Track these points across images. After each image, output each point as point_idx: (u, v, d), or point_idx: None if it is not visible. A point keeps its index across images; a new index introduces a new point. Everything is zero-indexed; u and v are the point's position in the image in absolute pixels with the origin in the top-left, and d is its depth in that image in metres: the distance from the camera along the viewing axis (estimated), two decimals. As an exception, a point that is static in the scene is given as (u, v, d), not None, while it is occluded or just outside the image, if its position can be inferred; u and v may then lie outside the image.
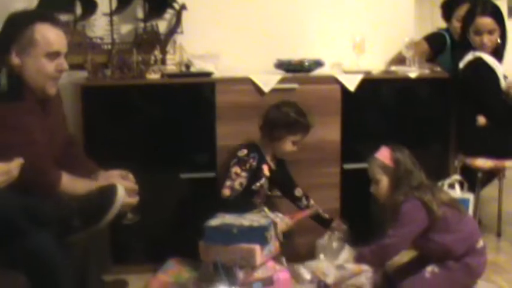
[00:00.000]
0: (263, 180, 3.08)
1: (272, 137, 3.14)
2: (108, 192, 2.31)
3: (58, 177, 2.43)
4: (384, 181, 2.96)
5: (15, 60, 2.46)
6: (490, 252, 3.56)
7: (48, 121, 2.56)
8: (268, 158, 3.17)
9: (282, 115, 3.10)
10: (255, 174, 3.08)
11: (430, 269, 2.88)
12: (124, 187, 2.47)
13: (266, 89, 3.31)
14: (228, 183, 3.05)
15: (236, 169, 3.07)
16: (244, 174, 3.06)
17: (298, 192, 3.29)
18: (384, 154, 2.98)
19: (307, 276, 2.86)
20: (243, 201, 3.03)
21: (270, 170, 3.15)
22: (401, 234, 2.84)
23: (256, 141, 3.19)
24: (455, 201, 2.98)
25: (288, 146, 3.13)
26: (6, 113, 2.38)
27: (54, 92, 2.58)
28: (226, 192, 3.02)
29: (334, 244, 3.14)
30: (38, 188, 2.34)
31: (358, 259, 2.92)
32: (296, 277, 2.84)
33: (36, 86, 2.49)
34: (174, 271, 3.08)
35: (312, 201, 3.31)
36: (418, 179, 2.93)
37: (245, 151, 3.12)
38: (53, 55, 2.50)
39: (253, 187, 3.08)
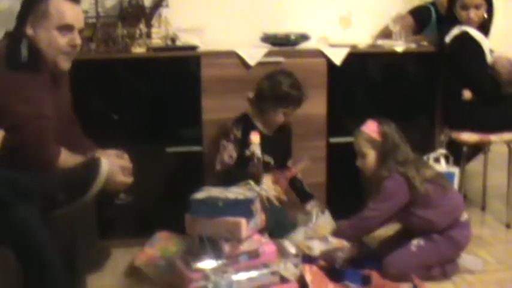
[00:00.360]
0: (253, 147, 3.05)
1: (262, 107, 3.13)
2: (92, 166, 2.30)
3: (57, 153, 2.45)
4: (370, 155, 2.98)
5: (29, 31, 2.51)
6: (474, 226, 3.60)
7: (56, 96, 2.60)
8: (259, 125, 3.16)
9: (273, 87, 3.09)
10: (244, 143, 3.07)
11: (415, 242, 2.91)
12: (119, 166, 2.50)
13: (252, 62, 3.30)
14: (218, 157, 3.11)
15: (223, 142, 3.12)
16: (231, 145, 3.09)
17: (290, 163, 3.31)
18: (370, 127, 2.99)
19: (292, 250, 2.87)
20: (238, 171, 3.04)
21: (263, 136, 3.13)
22: (380, 208, 2.90)
23: (248, 111, 3.19)
24: (440, 176, 3.01)
25: (278, 117, 3.13)
26: (23, 83, 2.42)
27: (67, 67, 2.63)
28: (217, 166, 3.10)
29: (314, 218, 3.15)
30: (36, 162, 2.37)
31: (337, 233, 2.95)
32: (281, 251, 2.85)
33: (48, 58, 2.53)
34: (161, 245, 3.08)
35: (299, 175, 3.33)
36: (404, 153, 2.95)
37: (231, 123, 3.14)
38: (66, 29, 2.53)
39: (245, 154, 3.07)
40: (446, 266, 2.98)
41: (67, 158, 2.47)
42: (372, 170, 3.01)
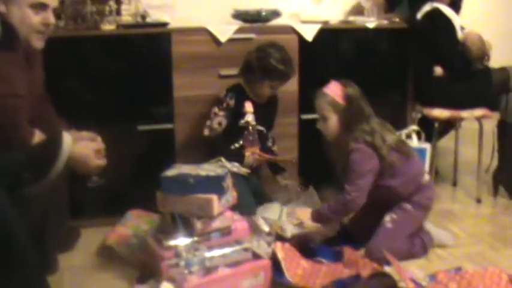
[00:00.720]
0: (248, 117, 3.07)
1: (249, 78, 3.14)
2: (55, 141, 2.27)
3: (31, 134, 2.41)
4: (332, 119, 2.88)
5: (1, 7, 2.44)
6: (445, 201, 3.67)
7: (30, 76, 2.55)
8: (252, 95, 3.16)
9: (261, 59, 3.09)
10: (238, 112, 3.10)
11: (388, 218, 2.91)
12: (93, 150, 2.46)
13: (223, 39, 3.27)
14: (207, 122, 3.13)
15: (214, 109, 3.13)
16: (222, 113, 3.11)
17: (270, 133, 3.33)
18: (334, 90, 2.88)
19: (265, 228, 2.87)
20: (226, 146, 3.10)
21: (256, 106, 3.14)
22: (359, 188, 2.81)
23: (241, 85, 3.19)
24: (403, 143, 2.98)
25: (265, 89, 3.14)
26: None
27: (40, 46, 2.57)
28: (206, 131, 3.11)
29: (287, 192, 3.16)
30: (10, 142, 2.32)
31: (317, 218, 2.89)
32: (254, 229, 2.85)
33: (21, 36, 2.47)
34: (132, 223, 3.07)
35: (275, 147, 3.35)
36: (370, 120, 2.87)
37: (224, 92, 3.16)
38: (38, 7, 2.48)
39: (239, 124, 3.10)
40: (423, 236, 3.01)
41: (41, 139, 2.43)
42: (333, 135, 2.93)
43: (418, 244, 2.98)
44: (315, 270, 2.68)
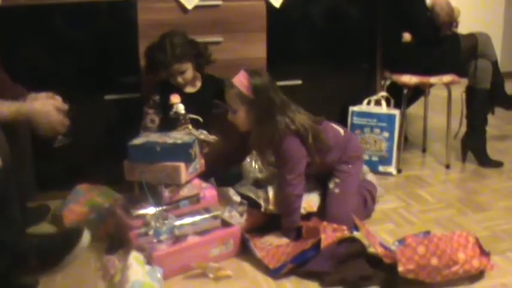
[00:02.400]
0: (176, 108, 2.95)
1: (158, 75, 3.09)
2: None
3: None
4: (241, 111, 2.76)
5: None
6: (415, 168, 3.71)
7: None
8: (181, 86, 3.09)
9: (147, 57, 3.05)
10: (166, 106, 3.01)
11: (332, 185, 2.93)
12: (53, 106, 2.42)
13: (189, 6, 3.21)
14: (142, 123, 3.08)
15: (144, 108, 3.10)
16: (151, 111, 3.08)
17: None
18: (240, 81, 2.74)
19: (236, 198, 2.85)
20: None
21: (188, 96, 3.07)
22: (298, 175, 2.76)
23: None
24: (316, 120, 2.88)
25: (176, 78, 3.05)
26: None
27: None
28: (141, 131, 3.02)
29: (257, 167, 3.14)
30: None
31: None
32: (225, 199, 2.83)
33: None
34: (86, 198, 2.98)
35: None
36: (285, 110, 2.76)
37: (152, 89, 3.13)
38: None
39: (170, 116, 2.99)
40: (367, 186, 3.07)
41: None
42: (245, 127, 2.81)
43: (367, 196, 3.03)
44: (281, 248, 2.67)
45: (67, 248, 2.29)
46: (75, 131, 2.57)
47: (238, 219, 2.78)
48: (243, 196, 2.89)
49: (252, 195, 2.89)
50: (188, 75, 3.06)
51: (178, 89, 3.07)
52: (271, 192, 2.85)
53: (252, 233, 2.76)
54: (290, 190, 2.74)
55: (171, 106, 2.95)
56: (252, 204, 2.87)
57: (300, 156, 2.76)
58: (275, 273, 2.51)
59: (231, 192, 2.89)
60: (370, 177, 3.23)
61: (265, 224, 2.85)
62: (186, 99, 3.00)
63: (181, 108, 2.92)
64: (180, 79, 3.04)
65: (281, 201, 2.80)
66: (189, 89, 3.13)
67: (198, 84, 3.17)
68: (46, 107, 2.38)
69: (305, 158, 2.78)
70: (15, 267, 2.16)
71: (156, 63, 3.01)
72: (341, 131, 2.99)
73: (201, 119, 3.01)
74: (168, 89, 3.05)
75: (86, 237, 2.33)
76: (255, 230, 2.80)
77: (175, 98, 2.96)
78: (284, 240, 2.73)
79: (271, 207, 2.83)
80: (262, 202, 2.85)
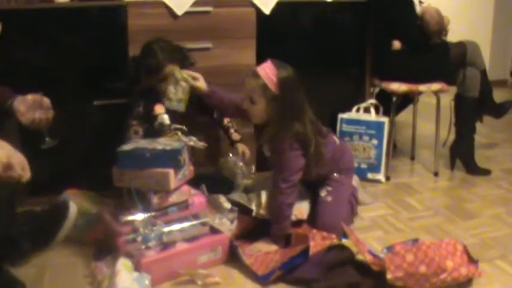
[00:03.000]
0: (160, 119, 2.91)
1: (146, 84, 3.03)
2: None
3: None
4: (261, 104, 2.69)
5: None
6: (404, 175, 3.72)
7: None
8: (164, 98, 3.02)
9: (136, 65, 3.01)
10: (149, 117, 2.97)
11: (325, 193, 2.94)
12: (33, 101, 2.39)
13: (179, 12, 3.21)
14: (126, 134, 3.00)
15: (128, 120, 3.03)
16: (135, 122, 3.00)
17: (215, 113, 3.24)
18: (268, 74, 2.66)
19: (227, 205, 2.85)
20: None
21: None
22: (293, 184, 2.73)
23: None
24: (319, 130, 2.85)
25: (159, 86, 2.98)
26: None
27: None
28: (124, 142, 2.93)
29: (235, 166, 3.13)
30: None
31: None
32: (215, 207, 2.82)
33: None
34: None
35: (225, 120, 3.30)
36: (303, 116, 2.70)
37: (135, 100, 3.07)
38: None
39: (154, 126, 2.94)
40: (354, 195, 3.07)
41: None
42: (258, 120, 2.77)
43: (353, 201, 3.05)
44: (270, 255, 2.67)
45: (56, 226, 2.25)
46: (62, 133, 2.54)
47: (228, 226, 2.77)
48: (233, 203, 2.89)
49: (243, 202, 2.89)
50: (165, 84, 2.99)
51: (159, 101, 3.00)
52: (264, 196, 2.85)
53: (241, 240, 2.76)
54: (282, 199, 2.73)
55: (155, 117, 2.92)
56: (242, 211, 2.87)
57: (297, 167, 2.74)
58: (263, 280, 2.51)
59: (222, 199, 2.89)
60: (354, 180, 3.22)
61: (254, 230, 2.85)
62: (168, 109, 2.98)
63: (165, 118, 2.88)
64: (167, 86, 2.97)
65: (272, 209, 2.79)
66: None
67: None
68: (24, 97, 2.35)
69: (302, 170, 2.76)
70: (8, 255, 2.15)
71: (147, 69, 2.96)
72: (337, 140, 3.00)
73: (185, 128, 2.92)
74: (151, 99, 3.01)
75: (73, 209, 2.29)
76: (244, 236, 2.79)
77: (159, 109, 2.92)
78: (273, 247, 2.72)
79: (262, 211, 2.84)
80: (254, 207, 2.85)
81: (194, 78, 2.89)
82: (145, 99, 3.04)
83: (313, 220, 2.89)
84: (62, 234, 2.25)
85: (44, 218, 2.32)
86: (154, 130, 2.91)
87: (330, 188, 2.92)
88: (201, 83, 2.90)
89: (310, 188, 2.97)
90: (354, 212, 3.07)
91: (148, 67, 2.95)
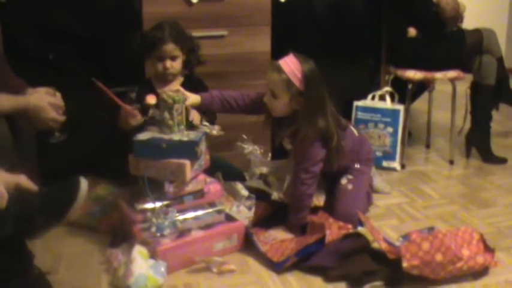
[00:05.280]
0: (152, 111, 2.78)
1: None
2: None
3: None
4: (283, 99, 2.66)
5: None
6: (419, 163, 3.70)
7: None
8: (157, 85, 3.01)
9: (142, 36, 2.99)
10: (143, 107, 2.90)
11: (345, 181, 2.94)
12: (48, 103, 2.42)
13: (194, -1, 3.21)
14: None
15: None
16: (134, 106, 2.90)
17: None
18: (292, 69, 2.62)
19: (244, 192, 2.84)
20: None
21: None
22: (314, 175, 2.72)
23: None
24: (340, 119, 2.83)
25: (157, 66, 2.96)
26: None
27: None
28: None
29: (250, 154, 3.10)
30: None
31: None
32: (233, 194, 2.82)
33: None
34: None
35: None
36: (326, 110, 2.67)
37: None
38: None
39: (145, 121, 2.83)
40: (371, 184, 3.09)
41: None
42: (280, 114, 2.75)
43: (370, 190, 3.06)
44: (285, 243, 2.67)
45: (69, 201, 2.26)
46: (74, 126, 2.56)
47: (246, 213, 2.77)
48: (250, 189, 2.88)
49: (261, 187, 2.88)
50: (177, 65, 2.97)
51: (155, 91, 2.97)
52: (287, 182, 2.85)
53: (257, 227, 2.76)
54: (303, 189, 2.72)
55: (146, 108, 2.85)
56: (259, 197, 2.87)
57: (318, 158, 2.72)
58: (278, 267, 2.51)
59: (239, 186, 2.88)
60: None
61: (270, 217, 2.84)
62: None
63: (157, 113, 2.84)
64: (168, 64, 2.94)
65: (292, 198, 2.78)
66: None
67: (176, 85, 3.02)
68: (40, 102, 2.39)
69: (322, 161, 2.75)
70: (22, 231, 2.16)
71: (151, 40, 2.92)
72: (356, 133, 2.98)
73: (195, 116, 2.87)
74: (145, 90, 2.98)
75: (84, 184, 2.30)
76: (260, 224, 2.79)
77: (151, 99, 2.88)
78: (289, 236, 2.72)
79: (281, 195, 2.85)
80: (274, 191, 2.84)
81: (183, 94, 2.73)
82: (140, 88, 3.01)
83: (330, 207, 2.89)
84: (75, 207, 2.25)
85: (56, 192, 2.31)
86: (144, 123, 2.80)
87: (350, 177, 2.92)
88: (194, 97, 2.78)
89: (327, 177, 2.97)
90: (370, 201, 3.07)
91: (151, 38, 2.92)
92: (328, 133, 2.68)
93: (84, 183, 2.26)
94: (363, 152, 2.98)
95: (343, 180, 2.91)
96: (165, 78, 3.00)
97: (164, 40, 2.91)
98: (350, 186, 2.89)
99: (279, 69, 2.62)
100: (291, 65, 2.62)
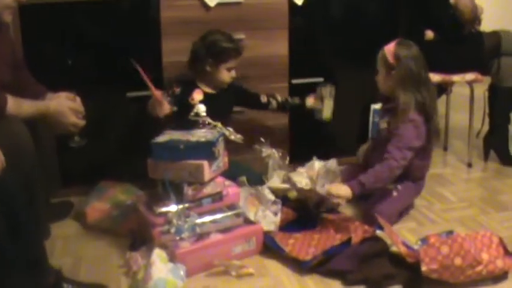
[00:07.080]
0: (197, 108, 2.94)
1: (201, 69, 3.04)
2: None
3: (4, 100, 2.35)
4: (381, 73, 3.00)
5: None
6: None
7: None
8: (202, 85, 3.07)
9: (209, 46, 2.99)
10: (185, 103, 2.99)
11: (394, 187, 2.97)
12: (68, 108, 2.46)
13: (211, 3, 3.21)
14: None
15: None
16: (167, 99, 2.95)
17: (263, 98, 3.24)
18: (389, 46, 2.96)
19: (271, 197, 2.82)
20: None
21: (207, 95, 3.05)
22: (405, 157, 2.84)
23: (191, 76, 3.11)
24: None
25: (224, 74, 3.03)
26: None
27: (10, 20, 2.55)
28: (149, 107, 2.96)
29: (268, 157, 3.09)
30: None
31: (361, 189, 2.78)
32: (260, 198, 2.81)
33: None
34: (108, 195, 2.99)
35: (278, 96, 3.29)
36: (420, 88, 2.89)
37: (173, 79, 3.13)
38: None
39: (190, 117, 2.93)
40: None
41: (15, 104, 2.37)
42: (382, 89, 3.03)
43: (403, 211, 3.07)
44: (307, 239, 2.68)
45: None
46: (94, 131, 2.59)
47: (271, 218, 2.75)
48: (275, 191, 2.87)
49: (283, 186, 2.92)
50: (236, 73, 3.08)
51: (200, 88, 3.06)
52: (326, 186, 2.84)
53: (280, 232, 2.75)
54: (389, 163, 2.82)
55: (191, 105, 2.93)
56: (283, 201, 2.87)
57: (414, 145, 2.86)
58: (305, 265, 2.52)
59: (266, 191, 2.85)
60: None
61: (293, 222, 2.86)
62: (206, 99, 3.00)
63: (202, 110, 2.90)
64: (228, 75, 3.04)
65: (378, 166, 2.84)
66: (210, 90, 3.10)
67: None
68: (61, 107, 2.43)
69: (414, 149, 2.86)
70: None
71: (221, 53, 2.99)
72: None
73: (219, 124, 2.89)
74: (190, 86, 3.05)
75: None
76: (282, 228, 2.78)
77: (198, 94, 2.97)
78: (343, 191, 2.75)
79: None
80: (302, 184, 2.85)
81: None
82: (184, 83, 3.06)
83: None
84: None
85: None
86: (188, 121, 2.90)
87: (399, 187, 2.97)
88: None
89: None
90: (399, 218, 3.04)
91: (227, 49, 3.00)
92: (426, 107, 2.88)
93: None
94: (423, 164, 3.07)
95: (391, 186, 2.95)
96: (222, 85, 3.09)
97: (240, 53, 3.03)
98: (395, 194, 2.95)
99: (382, 48, 2.99)
100: (391, 44, 2.96)
